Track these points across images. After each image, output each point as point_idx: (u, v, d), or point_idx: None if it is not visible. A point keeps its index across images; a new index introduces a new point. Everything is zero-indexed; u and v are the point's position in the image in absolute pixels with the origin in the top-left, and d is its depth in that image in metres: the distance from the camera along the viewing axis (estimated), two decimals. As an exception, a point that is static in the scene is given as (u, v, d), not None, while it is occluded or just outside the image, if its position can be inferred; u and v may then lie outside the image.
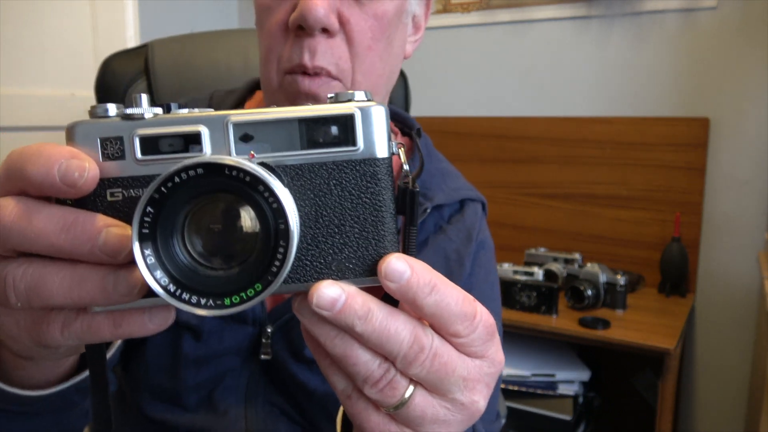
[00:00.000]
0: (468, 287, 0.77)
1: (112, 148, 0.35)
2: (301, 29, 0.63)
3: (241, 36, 1.16)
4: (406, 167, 0.41)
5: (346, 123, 0.36)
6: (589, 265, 1.94)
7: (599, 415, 2.09)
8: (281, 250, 0.33)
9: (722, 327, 2.07)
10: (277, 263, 0.33)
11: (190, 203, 0.33)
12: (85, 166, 0.33)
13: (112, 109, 0.35)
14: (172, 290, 0.33)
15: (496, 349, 0.39)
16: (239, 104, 0.81)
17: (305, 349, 0.70)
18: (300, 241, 0.35)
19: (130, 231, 0.33)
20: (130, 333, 0.36)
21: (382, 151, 0.36)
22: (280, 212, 0.32)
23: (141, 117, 0.35)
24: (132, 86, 1.08)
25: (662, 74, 2.09)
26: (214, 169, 0.32)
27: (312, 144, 0.36)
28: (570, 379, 1.91)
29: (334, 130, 0.36)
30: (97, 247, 0.33)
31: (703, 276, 2.08)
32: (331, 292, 0.34)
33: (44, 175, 0.33)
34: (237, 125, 0.35)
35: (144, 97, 0.35)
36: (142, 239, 0.32)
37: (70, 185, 0.33)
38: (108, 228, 0.33)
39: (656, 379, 1.80)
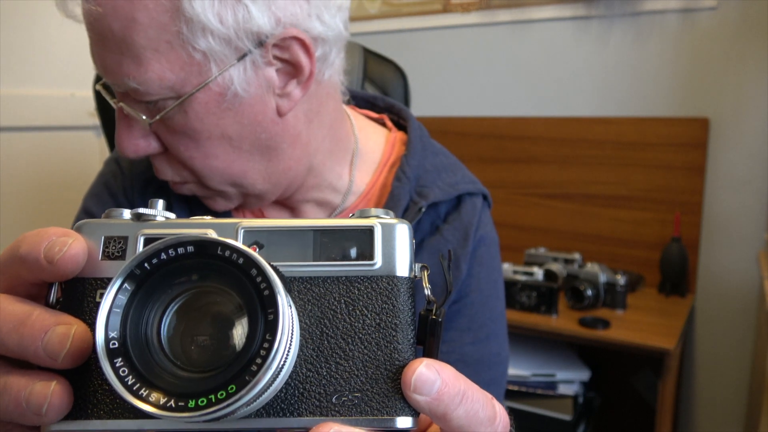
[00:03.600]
0: (467, 289, 0.76)
1: (115, 247, 0.33)
2: None
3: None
4: (427, 292, 0.35)
5: (364, 237, 0.33)
6: (589, 265, 1.94)
7: (599, 415, 2.09)
8: (266, 345, 0.28)
9: (722, 327, 2.07)
10: (259, 360, 0.28)
11: (174, 289, 0.30)
12: (67, 242, 0.32)
13: (126, 213, 0.34)
14: (129, 383, 0.28)
15: None
16: None
17: None
18: (297, 363, 0.32)
19: (79, 330, 0.30)
20: None
21: (402, 270, 0.33)
22: (272, 300, 0.28)
23: (152, 219, 0.34)
24: (132, 86, 1.08)
25: (662, 74, 2.09)
26: (205, 248, 0.29)
27: (326, 257, 0.33)
28: (570, 379, 1.91)
29: (352, 243, 0.33)
30: (41, 348, 0.30)
31: (703, 276, 2.08)
32: None
33: (32, 252, 0.32)
34: (248, 232, 0.33)
35: (160, 202, 0.34)
36: (113, 315, 0.29)
37: (49, 261, 0.31)
38: (56, 326, 0.31)
39: (656, 379, 1.80)
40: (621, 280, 1.86)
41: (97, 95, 1.10)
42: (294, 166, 0.71)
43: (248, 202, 0.74)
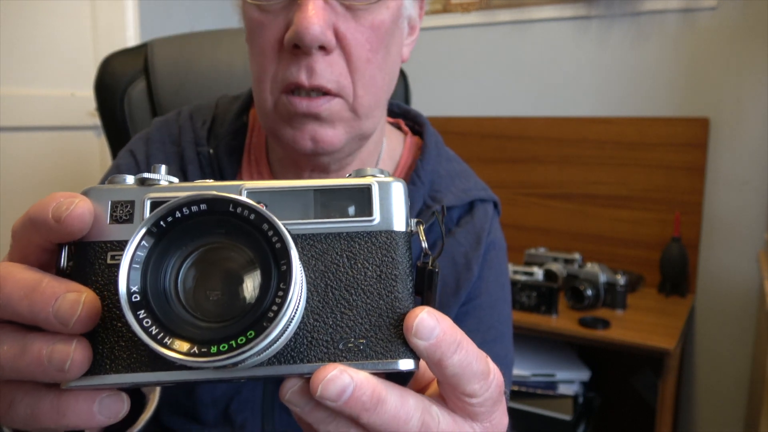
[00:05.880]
0: (477, 291, 0.76)
1: (122, 210, 0.35)
2: (297, 48, 0.61)
3: (242, 35, 1.16)
4: (424, 245, 0.38)
5: (363, 195, 0.35)
6: (589, 265, 1.94)
7: (599, 415, 2.09)
8: (280, 293, 0.30)
9: (722, 327, 2.07)
10: (275, 308, 0.30)
11: (188, 246, 0.32)
12: (74, 201, 0.33)
13: (130, 178, 0.36)
14: (153, 332, 0.30)
15: (501, 413, 0.37)
16: (244, 111, 0.80)
17: None
18: (305, 314, 0.33)
19: (89, 296, 0.32)
20: (75, 424, 0.33)
21: (399, 225, 0.35)
22: (283, 252, 0.30)
23: (156, 183, 0.35)
24: (131, 86, 1.08)
25: (662, 74, 2.09)
26: (217, 205, 0.31)
27: (326, 214, 0.35)
28: (570, 379, 1.91)
29: (351, 201, 0.35)
30: (51, 314, 0.31)
31: (703, 276, 2.08)
32: (339, 381, 0.30)
33: (40, 213, 0.33)
34: (251, 193, 0.35)
35: (163, 167, 0.36)
36: (132, 270, 0.30)
37: (56, 220, 0.32)
38: (66, 293, 0.32)
39: (656, 379, 1.80)
40: (621, 280, 1.86)
41: (97, 95, 1.10)
42: (376, 124, 0.71)
43: (318, 163, 0.70)
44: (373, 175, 0.36)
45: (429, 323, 0.32)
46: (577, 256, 2.07)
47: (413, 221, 0.36)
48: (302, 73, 0.61)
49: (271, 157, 0.77)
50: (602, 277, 1.88)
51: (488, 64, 2.37)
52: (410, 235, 0.36)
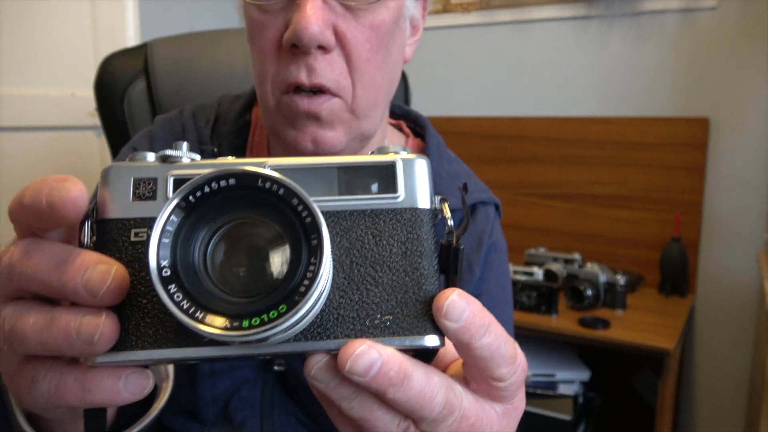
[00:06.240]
0: (478, 292, 0.76)
1: (145, 188, 0.34)
2: (296, 47, 0.61)
3: (242, 35, 1.16)
4: (450, 223, 0.37)
5: (387, 172, 0.35)
6: (589, 265, 1.94)
7: (599, 415, 2.09)
8: (311, 268, 0.30)
9: (722, 327, 2.07)
10: (306, 282, 0.30)
11: (217, 221, 0.32)
12: (66, 186, 0.32)
13: (151, 155, 0.35)
14: (185, 306, 0.30)
15: (521, 396, 0.37)
16: (246, 110, 0.80)
17: None
18: (331, 291, 0.33)
19: (119, 269, 0.31)
20: (101, 400, 0.33)
21: (424, 202, 0.35)
22: (314, 227, 0.30)
23: (178, 160, 0.35)
24: (131, 86, 1.08)
25: (662, 74, 2.09)
26: (246, 180, 0.30)
27: (350, 191, 0.34)
28: (570, 379, 1.91)
29: (374, 178, 0.35)
30: (80, 284, 0.31)
31: (703, 276, 2.08)
32: (367, 356, 0.30)
33: (34, 200, 0.32)
34: (274, 170, 0.33)
35: (184, 144, 0.35)
36: (162, 245, 0.30)
37: (50, 206, 0.32)
38: (96, 265, 0.32)
39: (656, 379, 1.80)
40: (621, 280, 1.86)
41: (97, 95, 1.10)
42: (377, 125, 0.70)
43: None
44: (396, 153, 0.36)
45: (459, 305, 0.32)
46: (577, 256, 2.07)
47: (437, 198, 0.36)
48: (302, 72, 0.61)
49: (273, 156, 0.77)
50: (602, 277, 1.88)
51: (488, 64, 2.37)
52: (434, 213, 0.36)
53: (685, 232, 2.04)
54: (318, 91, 0.62)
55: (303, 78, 0.61)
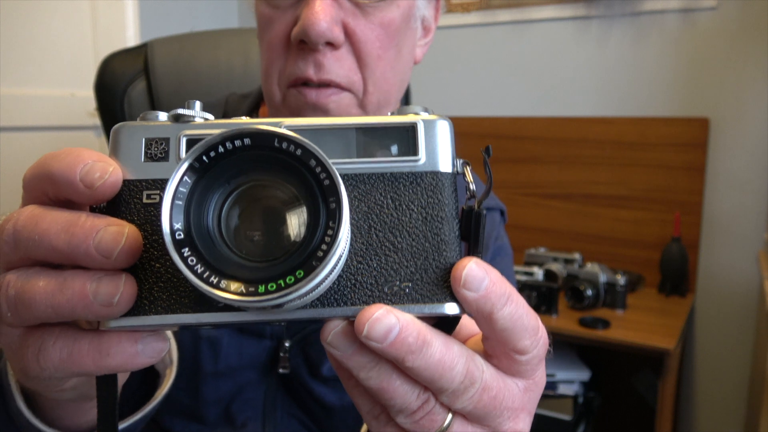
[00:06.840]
0: None
1: (157, 148, 0.33)
2: (304, 43, 0.60)
3: (242, 35, 1.16)
4: (472, 187, 0.36)
5: (407, 133, 0.33)
6: (589, 265, 1.94)
7: (599, 415, 2.09)
8: (330, 232, 0.28)
9: (722, 327, 2.07)
10: (324, 246, 0.28)
11: (232, 183, 0.30)
12: (108, 170, 0.31)
13: (162, 115, 0.34)
14: (199, 271, 0.28)
15: (542, 371, 0.36)
16: (253, 109, 0.80)
17: (323, 366, 0.69)
18: (348, 257, 0.32)
19: (131, 230, 0.30)
20: (117, 365, 0.32)
21: (445, 166, 0.33)
22: (332, 189, 0.28)
23: (191, 119, 0.33)
24: (131, 86, 1.08)
25: (662, 74, 2.09)
26: (262, 140, 0.29)
27: (369, 154, 0.33)
28: (570, 379, 1.91)
29: (394, 140, 0.33)
30: (92, 246, 0.30)
31: (703, 276, 2.08)
32: (386, 321, 0.29)
33: (66, 173, 0.31)
34: (290, 131, 0.33)
35: (197, 103, 0.34)
36: (175, 207, 0.29)
37: (87, 185, 0.31)
38: (107, 227, 0.30)
39: (656, 379, 1.80)
40: (621, 280, 1.86)
41: (97, 95, 1.10)
42: None
43: None
44: (417, 113, 0.34)
45: (478, 273, 0.31)
46: (577, 256, 2.07)
47: (459, 162, 0.35)
48: (310, 68, 0.61)
49: None
50: (602, 277, 1.88)
51: (488, 64, 2.37)
52: (455, 177, 0.34)
53: (685, 232, 2.04)
54: (326, 85, 0.62)
55: (311, 73, 0.61)
